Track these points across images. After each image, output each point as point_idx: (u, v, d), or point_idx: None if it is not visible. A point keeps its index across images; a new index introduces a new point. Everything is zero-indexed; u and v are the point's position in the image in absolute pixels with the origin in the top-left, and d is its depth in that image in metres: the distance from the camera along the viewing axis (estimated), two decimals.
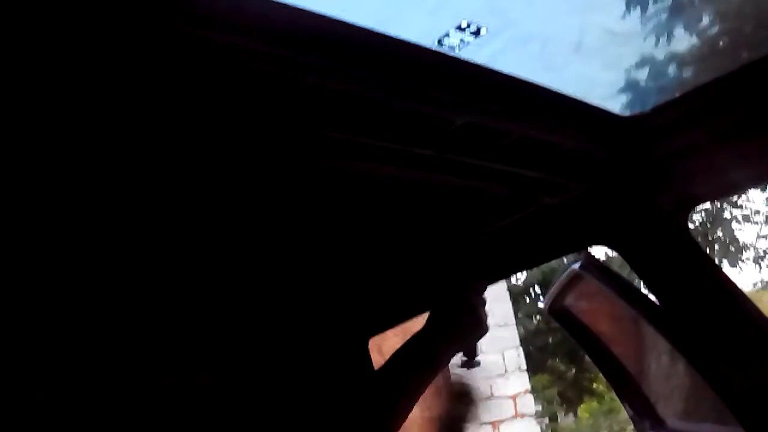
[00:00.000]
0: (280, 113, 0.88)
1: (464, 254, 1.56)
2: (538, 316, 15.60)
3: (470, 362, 1.53)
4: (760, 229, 14.83)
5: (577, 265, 1.68)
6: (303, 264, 1.48)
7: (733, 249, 14.48)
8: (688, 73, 12.49)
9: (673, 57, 12.69)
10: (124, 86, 0.78)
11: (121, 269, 1.29)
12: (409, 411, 1.33)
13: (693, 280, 1.20)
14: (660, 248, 1.23)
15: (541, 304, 15.38)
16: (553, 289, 1.92)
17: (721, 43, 11.97)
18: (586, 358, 2.10)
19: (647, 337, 1.58)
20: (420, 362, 1.37)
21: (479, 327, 1.44)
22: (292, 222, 1.26)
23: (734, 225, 14.65)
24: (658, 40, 12.61)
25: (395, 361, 1.37)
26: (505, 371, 6.98)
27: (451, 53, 1.04)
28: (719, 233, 14.60)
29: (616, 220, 1.29)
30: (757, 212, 14.72)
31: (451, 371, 1.57)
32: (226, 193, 1.09)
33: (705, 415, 1.51)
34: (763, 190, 13.53)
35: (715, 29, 12.11)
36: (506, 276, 2.11)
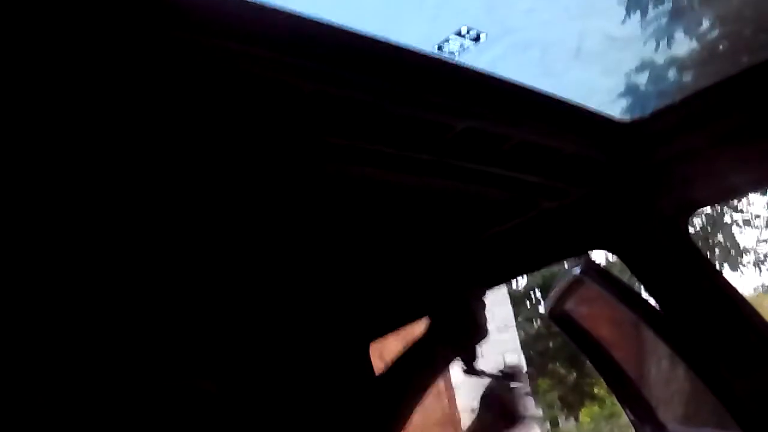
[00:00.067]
0: (281, 119, 0.88)
1: (464, 259, 1.56)
2: (538, 321, 15.59)
3: (471, 368, 1.52)
4: (761, 233, 14.83)
5: (577, 270, 1.68)
6: (304, 268, 1.48)
7: (733, 253, 14.47)
8: (688, 77, 12.50)
9: (673, 61, 12.70)
10: (125, 92, 0.78)
11: (124, 273, 1.29)
12: (411, 415, 1.33)
13: (693, 284, 1.20)
14: (660, 252, 1.23)
15: (541, 309, 15.37)
16: (554, 294, 1.92)
17: (720, 47, 11.98)
18: (587, 362, 2.09)
19: (648, 341, 1.58)
20: (421, 367, 1.37)
21: (479, 331, 1.43)
22: (293, 227, 1.26)
23: (735, 229, 14.66)
24: (658, 44, 12.63)
25: (396, 366, 1.37)
26: None
27: (450, 59, 1.05)
28: (720, 237, 14.60)
29: (616, 224, 1.29)
30: (758, 216, 14.72)
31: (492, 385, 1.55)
32: (228, 198, 1.09)
33: (705, 420, 1.50)
34: (764, 194, 13.54)
35: (714, 33, 12.12)
36: (506, 280, 2.11)
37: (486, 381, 1.51)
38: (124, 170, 0.94)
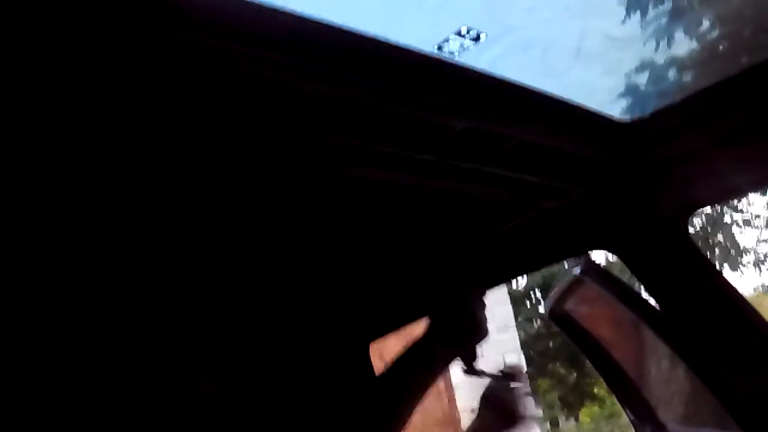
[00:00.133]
0: (281, 119, 0.88)
1: (464, 259, 1.56)
2: (538, 321, 15.60)
3: (471, 368, 1.52)
4: (761, 233, 14.84)
5: (577, 270, 1.68)
6: (303, 269, 1.48)
7: (733, 253, 14.48)
8: (687, 77, 12.50)
9: (673, 61, 12.71)
10: (125, 91, 0.78)
11: (124, 274, 1.29)
12: (411, 415, 1.33)
13: (693, 284, 1.20)
14: (660, 253, 1.23)
15: (541, 309, 15.38)
16: (554, 294, 1.92)
17: (720, 47, 11.98)
18: (587, 362, 2.09)
19: (648, 341, 1.58)
20: (421, 367, 1.37)
21: (479, 331, 1.43)
22: (292, 227, 1.26)
23: (735, 229, 14.66)
24: (658, 44, 12.63)
25: (397, 366, 1.37)
26: None
27: (450, 59, 1.05)
28: (720, 237, 14.60)
29: (616, 224, 1.29)
30: (758, 216, 14.73)
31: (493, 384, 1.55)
32: (227, 199, 1.09)
33: (705, 420, 1.50)
34: (764, 194, 13.54)
35: (714, 33, 12.13)
36: (507, 280, 2.12)
37: (486, 381, 1.51)
38: (123, 170, 0.94)
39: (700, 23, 12.31)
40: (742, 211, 14.66)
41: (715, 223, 14.52)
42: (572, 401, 15.49)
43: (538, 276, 14.39)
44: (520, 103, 1.03)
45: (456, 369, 1.52)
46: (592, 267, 1.66)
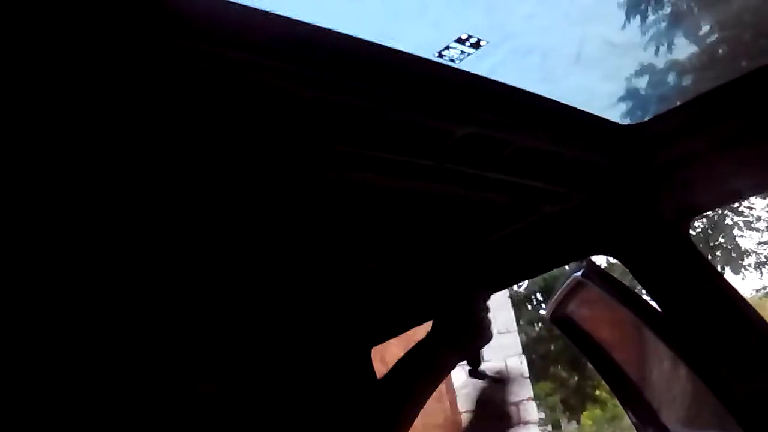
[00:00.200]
0: (281, 126, 0.89)
1: (467, 263, 1.56)
2: (540, 324, 15.57)
3: (474, 371, 1.53)
4: (762, 235, 14.82)
5: (579, 273, 1.68)
6: (306, 273, 1.48)
7: (734, 255, 14.46)
8: (687, 81, 12.50)
9: (672, 65, 12.71)
10: (127, 99, 0.79)
11: (128, 277, 1.29)
12: (413, 420, 1.33)
13: (695, 287, 1.20)
14: (662, 257, 1.23)
15: (543, 312, 15.35)
16: (556, 297, 1.92)
17: (720, 51, 11.98)
18: (589, 365, 2.09)
19: (649, 344, 1.58)
20: (424, 371, 1.37)
21: (483, 334, 1.43)
22: (295, 232, 1.26)
23: (736, 231, 14.64)
24: (657, 48, 12.64)
25: (399, 370, 1.37)
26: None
27: (451, 65, 1.05)
28: (721, 240, 14.59)
29: (617, 229, 1.29)
30: (759, 219, 14.71)
31: (481, 388, 1.56)
32: (230, 204, 1.09)
33: (707, 422, 1.50)
34: (765, 196, 13.52)
35: (714, 37, 12.13)
36: (509, 285, 2.12)
37: (482, 384, 1.52)
38: (128, 176, 0.95)
39: (700, 28, 12.32)
40: (743, 214, 14.65)
41: (717, 225, 14.51)
42: (574, 404, 15.44)
43: (539, 279, 14.37)
44: (520, 109, 1.03)
45: (458, 372, 1.52)
46: (593, 270, 1.65)
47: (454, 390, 6.54)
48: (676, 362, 1.42)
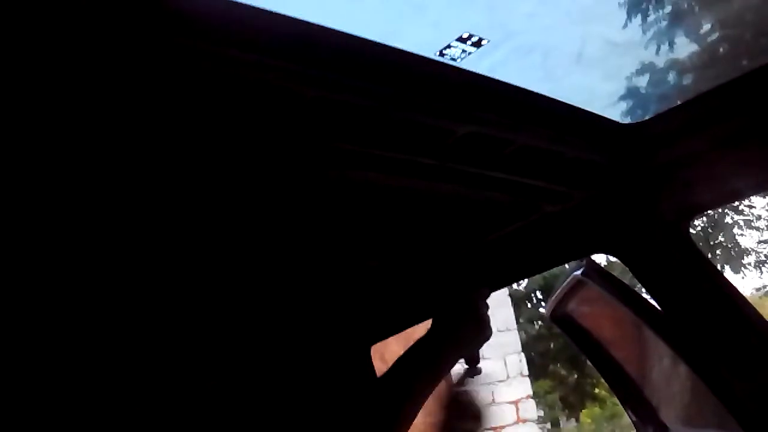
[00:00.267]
0: (283, 125, 0.89)
1: (467, 261, 1.56)
2: (539, 322, 15.58)
3: (472, 369, 1.53)
4: (762, 234, 14.82)
5: (579, 272, 1.69)
6: (306, 272, 1.48)
7: (734, 254, 14.46)
8: (688, 80, 12.49)
9: (673, 64, 12.70)
10: (129, 98, 0.79)
11: (132, 277, 1.29)
12: (414, 418, 1.33)
13: (695, 286, 1.20)
14: (662, 256, 1.23)
15: (542, 310, 15.36)
16: (556, 295, 1.92)
17: (721, 50, 11.97)
18: (588, 363, 2.09)
19: (649, 342, 1.58)
20: (424, 368, 1.37)
21: (483, 332, 1.44)
22: (296, 231, 1.27)
23: (736, 230, 14.64)
24: (659, 47, 12.62)
25: (399, 368, 1.37)
26: (507, 377, 6.97)
27: (452, 64, 1.05)
28: (721, 238, 14.59)
29: (617, 228, 1.29)
30: (759, 217, 14.71)
31: (453, 383, 1.57)
32: (231, 203, 1.10)
33: (707, 421, 1.51)
34: (765, 196, 13.52)
35: (715, 36, 12.12)
36: (509, 283, 2.12)
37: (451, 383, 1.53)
38: (129, 176, 0.95)
39: (701, 26, 12.31)
40: (743, 213, 14.65)
41: (717, 224, 14.50)
42: (573, 402, 15.46)
43: (539, 277, 14.38)
44: (521, 108, 1.03)
45: (457, 370, 1.52)
46: (593, 268, 1.66)
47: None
48: (676, 361, 1.42)
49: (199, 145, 0.89)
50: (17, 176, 0.90)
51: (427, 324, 1.46)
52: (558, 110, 1.08)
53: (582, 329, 1.94)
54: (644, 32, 12.75)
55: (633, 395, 1.90)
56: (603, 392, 14.17)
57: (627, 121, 1.19)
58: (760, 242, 14.83)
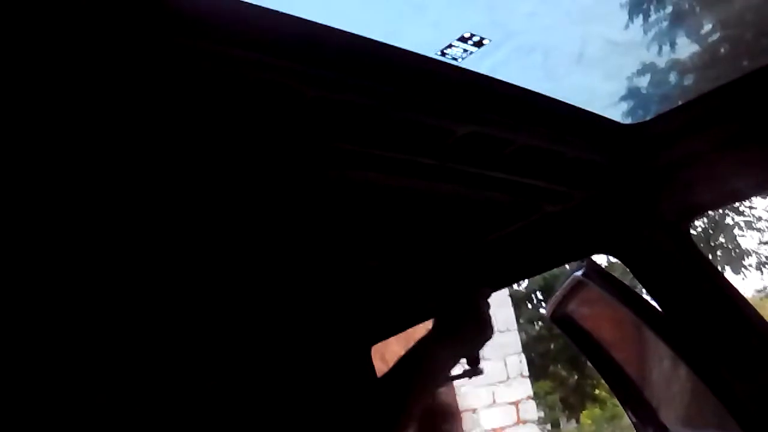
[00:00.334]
0: (283, 124, 0.89)
1: (468, 261, 1.56)
2: (540, 322, 15.57)
3: (473, 370, 1.53)
4: (763, 235, 14.81)
5: (579, 272, 1.69)
6: (307, 271, 1.48)
7: (735, 255, 14.45)
8: (689, 80, 12.49)
9: (674, 65, 12.69)
10: (130, 98, 0.79)
11: (132, 277, 1.29)
12: (414, 418, 1.33)
13: (695, 287, 1.20)
14: (662, 257, 1.23)
15: (543, 310, 15.35)
16: (556, 296, 1.92)
17: (722, 50, 11.97)
18: (588, 364, 2.09)
19: (649, 343, 1.58)
20: (424, 369, 1.37)
21: (484, 332, 1.43)
22: (296, 230, 1.26)
23: (737, 231, 14.63)
24: (660, 48, 12.61)
25: (399, 368, 1.37)
26: (507, 377, 6.98)
27: (453, 63, 1.05)
28: (722, 239, 14.57)
29: (618, 228, 1.29)
30: (760, 219, 14.70)
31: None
32: (232, 202, 1.09)
33: (707, 421, 1.50)
34: (766, 196, 13.51)
35: (716, 36, 12.11)
36: (509, 283, 2.12)
37: None
38: (129, 175, 0.95)
39: (702, 27, 12.30)
40: (744, 214, 14.64)
41: (717, 225, 14.49)
42: (573, 403, 15.44)
43: (539, 278, 14.37)
44: (521, 107, 1.03)
45: (458, 370, 1.52)
46: (593, 269, 1.66)
47: (454, 387, 6.55)
48: (676, 362, 1.42)
49: (199, 145, 0.89)
50: (18, 176, 0.90)
51: (427, 324, 1.46)
52: (558, 110, 1.08)
53: (582, 330, 1.94)
54: (645, 32, 12.75)
55: (633, 396, 1.90)
56: (603, 393, 14.15)
57: (628, 121, 1.19)
58: (761, 243, 14.82)
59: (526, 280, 15.15)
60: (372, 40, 0.85)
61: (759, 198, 13.81)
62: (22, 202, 0.98)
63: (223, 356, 1.62)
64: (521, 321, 13.00)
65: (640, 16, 12.71)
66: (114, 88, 0.77)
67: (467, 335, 1.42)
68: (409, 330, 1.82)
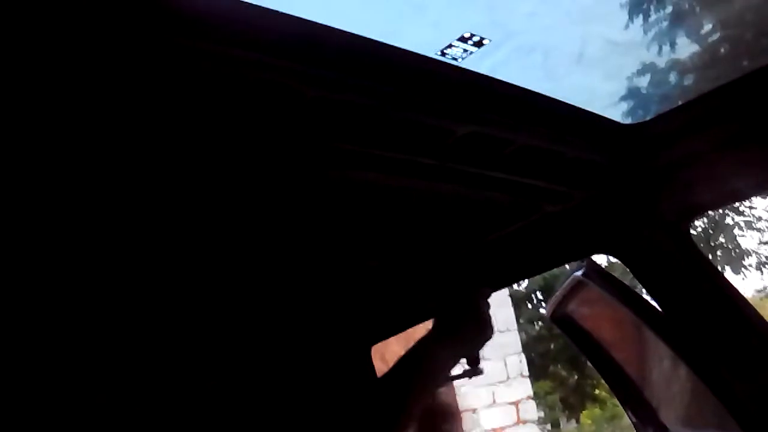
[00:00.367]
0: (283, 124, 0.89)
1: (468, 261, 1.56)
2: (540, 322, 15.57)
3: (474, 370, 1.53)
4: (763, 235, 14.81)
5: (579, 272, 1.69)
6: (307, 272, 1.48)
7: (735, 255, 14.45)
8: (689, 80, 12.48)
9: (674, 65, 12.69)
10: (130, 98, 0.79)
11: (132, 277, 1.29)
12: (414, 418, 1.33)
13: (695, 287, 1.20)
14: (662, 257, 1.23)
15: (543, 310, 15.35)
16: (556, 296, 1.92)
17: (722, 50, 11.97)
18: (589, 364, 2.09)
19: (649, 343, 1.58)
20: (425, 369, 1.37)
21: (484, 332, 1.43)
22: (296, 231, 1.26)
23: (737, 231, 14.62)
24: (660, 48, 12.61)
25: (399, 368, 1.37)
26: (507, 377, 6.98)
27: (453, 63, 1.05)
28: (722, 239, 14.57)
29: (618, 228, 1.29)
30: (760, 219, 14.69)
31: None
32: (232, 203, 1.09)
33: (707, 421, 1.50)
34: (766, 196, 13.50)
35: (716, 36, 12.11)
36: (509, 283, 2.12)
37: None
38: (129, 176, 0.95)
39: (702, 27, 12.30)
40: (744, 214, 14.64)
41: (717, 225, 14.49)
42: (573, 403, 15.44)
43: (539, 278, 14.37)
44: (521, 107, 1.03)
45: (458, 370, 1.52)
46: (593, 269, 1.66)
47: (454, 387, 6.55)
48: (676, 362, 1.42)
49: (199, 145, 0.89)
50: (18, 176, 0.90)
51: (427, 324, 1.46)
52: (558, 110, 1.08)
53: (582, 330, 1.94)
54: (645, 32, 12.74)
55: (633, 396, 1.90)
56: (603, 393, 14.15)
57: (628, 121, 1.19)
58: (761, 243, 14.81)
59: (526, 280, 15.15)
60: (372, 40, 0.85)
61: (759, 198, 13.81)
62: (22, 202, 0.98)
63: (223, 356, 1.62)
64: (521, 321, 13.00)
65: (640, 16, 12.71)
66: (114, 89, 0.77)
67: (467, 335, 1.42)
68: (409, 330, 1.82)
